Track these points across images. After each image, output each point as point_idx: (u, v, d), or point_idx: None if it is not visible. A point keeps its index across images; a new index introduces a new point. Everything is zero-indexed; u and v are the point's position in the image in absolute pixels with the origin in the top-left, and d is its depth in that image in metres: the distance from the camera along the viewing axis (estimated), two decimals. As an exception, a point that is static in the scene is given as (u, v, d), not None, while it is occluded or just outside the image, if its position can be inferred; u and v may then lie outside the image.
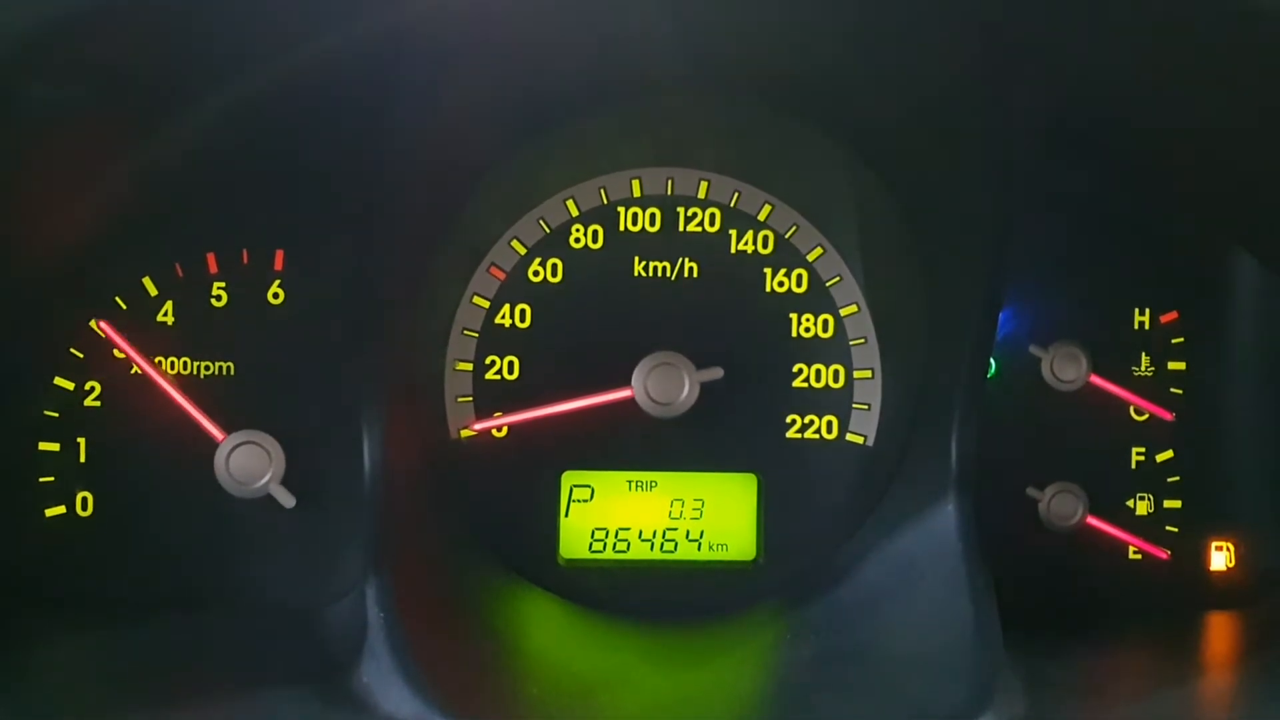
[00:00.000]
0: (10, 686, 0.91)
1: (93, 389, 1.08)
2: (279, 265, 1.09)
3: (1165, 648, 1.07)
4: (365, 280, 1.04)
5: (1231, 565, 1.16)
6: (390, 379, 1.04)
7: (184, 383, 1.08)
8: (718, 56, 1.07)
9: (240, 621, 1.05)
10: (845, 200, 1.13)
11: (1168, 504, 1.16)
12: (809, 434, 1.14)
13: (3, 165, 0.83)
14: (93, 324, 1.07)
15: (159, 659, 0.98)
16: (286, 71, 0.94)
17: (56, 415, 1.07)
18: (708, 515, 1.14)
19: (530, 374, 1.13)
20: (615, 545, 1.14)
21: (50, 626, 1.02)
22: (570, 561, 1.14)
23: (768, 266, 1.13)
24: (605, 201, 1.13)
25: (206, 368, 1.08)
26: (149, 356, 1.07)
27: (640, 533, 1.14)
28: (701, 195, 1.13)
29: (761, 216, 1.13)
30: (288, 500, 1.05)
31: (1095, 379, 1.14)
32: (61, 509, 1.08)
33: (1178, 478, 1.16)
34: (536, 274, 1.13)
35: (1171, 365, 1.16)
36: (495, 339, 1.13)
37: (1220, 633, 1.12)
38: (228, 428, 1.06)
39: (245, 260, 1.09)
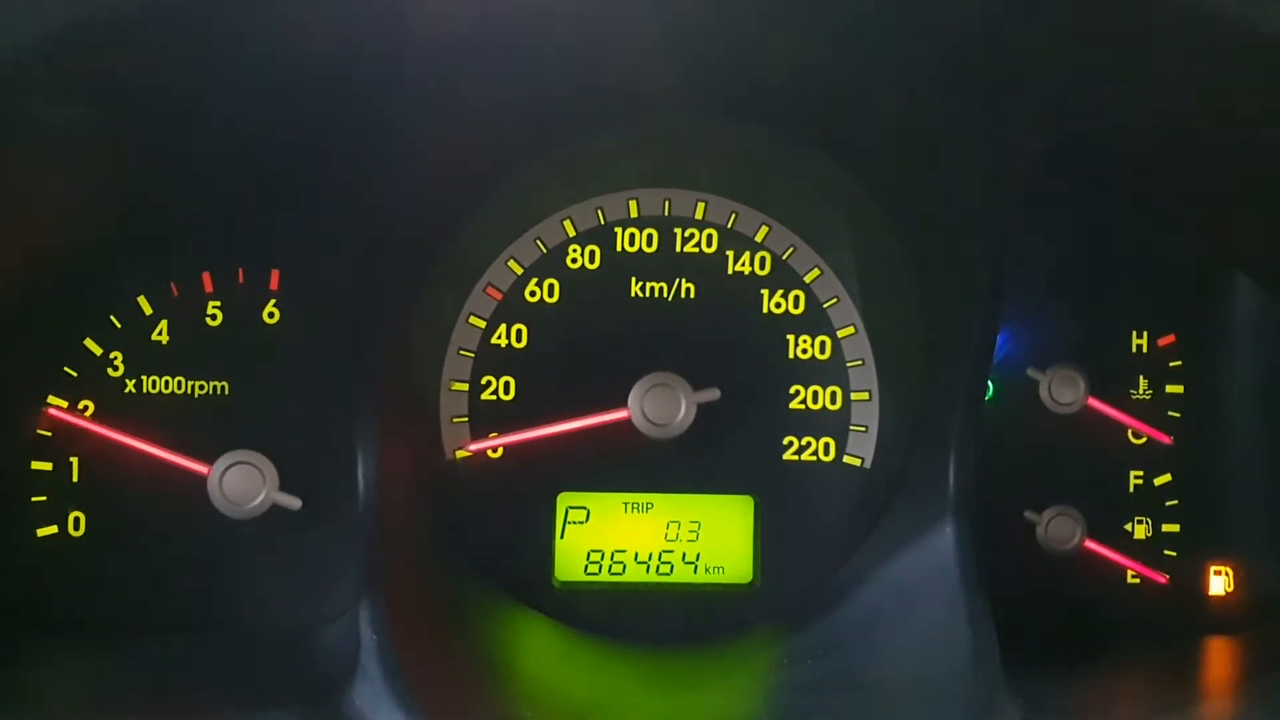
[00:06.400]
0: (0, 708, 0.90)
1: (86, 408, 1.07)
2: (274, 285, 1.09)
3: (1163, 672, 1.07)
4: (361, 300, 1.04)
5: (1230, 590, 1.16)
6: (385, 399, 1.04)
7: (177, 402, 1.07)
8: (716, 77, 1.07)
9: (232, 642, 1.04)
10: (843, 222, 1.13)
11: (1166, 528, 1.16)
12: (806, 456, 1.13)
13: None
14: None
15: (150, 680, 0.98)
16: (285, 90, 0.94)
17: (49, 434, 1.07)
18: (704, 537, 1.13)
19: (526, 394, 1.12)
20: (611, 567, 1.13)
21: (40, 647, 1.01)
22: (565, 584, 1.13)
23: (765, 287, 1.13)
24: (602, 222, 1.13)
25: (200, 387, 1.08)
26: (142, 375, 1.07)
27: (636, 555, 1.13)
28: (699, 216, 1.13)
29: (759, 238, 1.13)
30: (293, 503, 1.05)
31: (1093, 402, 1.14)
32: (53, 529, 1.07)
33: (1176, 501, 1.16)
34: (533, 294, 1.13)
35: (1170, 388, 1.16)
36: (491, 359, 1.12)
37: (1219, 657, 1.12)
38: (221, 448, 1.05)
39: (241, 280, 1.09)
